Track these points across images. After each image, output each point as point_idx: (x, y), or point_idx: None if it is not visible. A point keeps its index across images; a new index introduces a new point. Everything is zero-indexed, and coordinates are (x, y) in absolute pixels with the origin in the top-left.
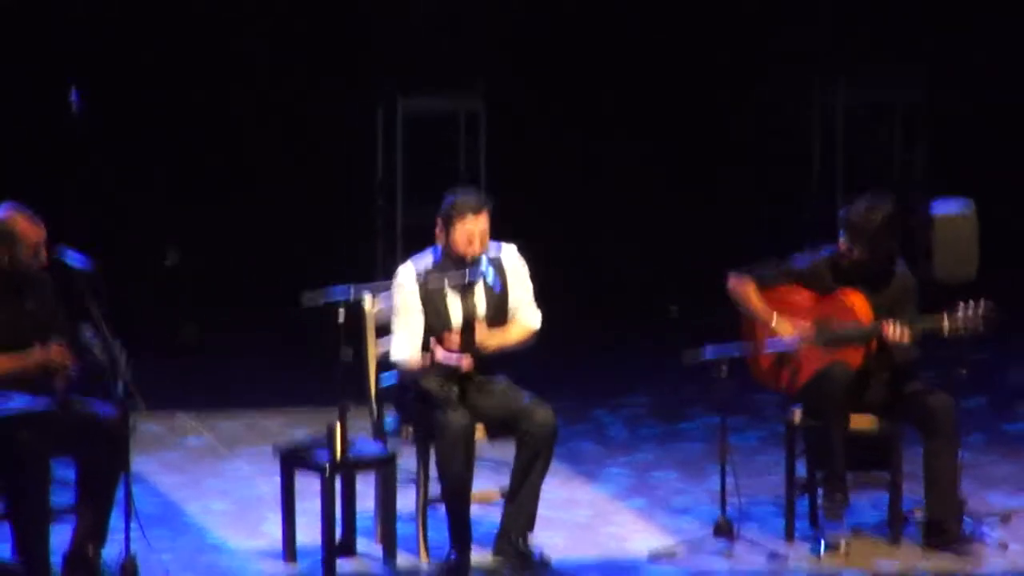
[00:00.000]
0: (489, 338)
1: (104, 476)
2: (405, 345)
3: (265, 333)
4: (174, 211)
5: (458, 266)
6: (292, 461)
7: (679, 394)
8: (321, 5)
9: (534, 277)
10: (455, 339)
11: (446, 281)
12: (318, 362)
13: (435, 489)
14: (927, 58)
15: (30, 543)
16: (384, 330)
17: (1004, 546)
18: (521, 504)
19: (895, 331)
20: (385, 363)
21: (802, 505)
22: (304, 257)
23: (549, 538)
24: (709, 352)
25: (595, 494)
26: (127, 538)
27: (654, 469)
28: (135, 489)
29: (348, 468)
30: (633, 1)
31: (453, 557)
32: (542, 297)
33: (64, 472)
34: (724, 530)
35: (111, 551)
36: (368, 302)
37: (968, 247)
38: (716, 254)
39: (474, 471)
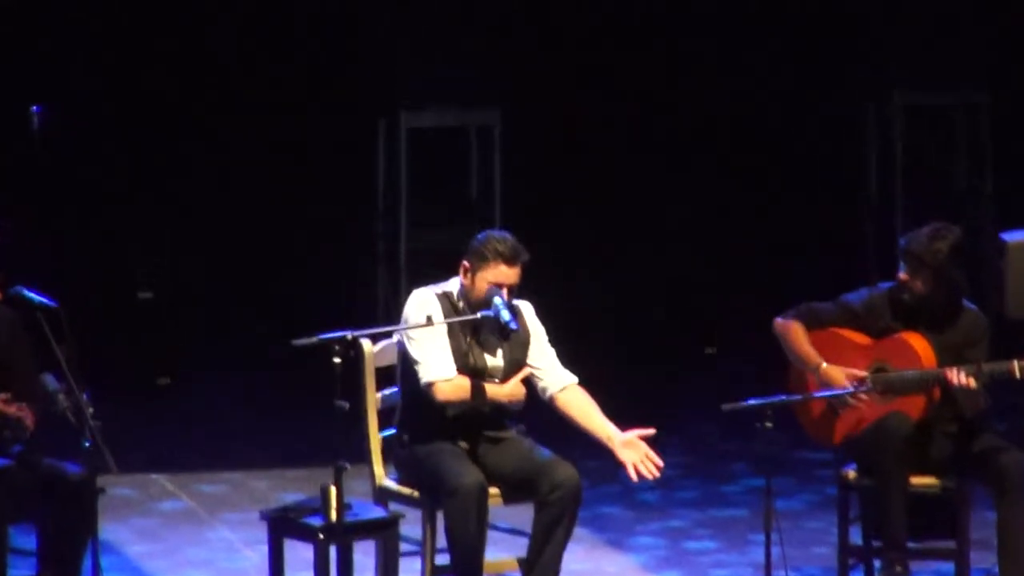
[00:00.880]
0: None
1: (69, 544)
2: (439, 364)
3: (251, 380)
4: (147, 240)
5: (473, 311)
6: (281, 527)
7: (718, 450)
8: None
9: (554, 318)
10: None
11: (466, 327)
12: (311, 414)
13: (443, 558)
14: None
15: None
16: (386, 379)
17: None
18: (541, 574)
19: (961, 377)
20: (387, 414)
21: None
22: (297, 290)
23: None
24: (751, 401)
25: (624, 565)
26: None
27: (690, 537)
28: (104, 560)
29: (345, 535)
30: (667, 11)
31: None
32: (563, 336)
33: (23, 539)
34: None
35: None
36: (368, 344)
37: None
38: (760, 285)
39: (487, 538)
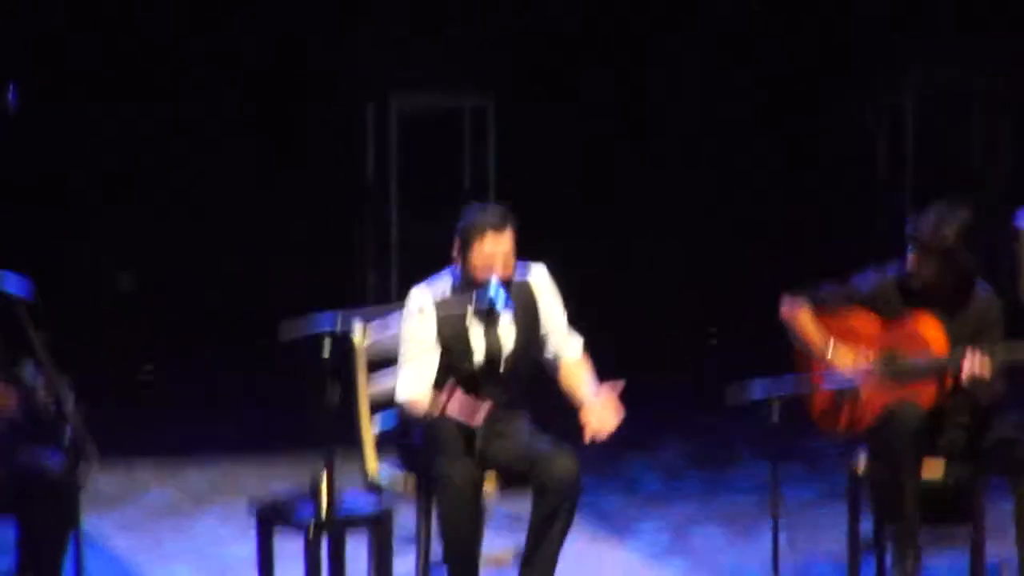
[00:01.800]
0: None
1: (50, 538)
2: (413, 382)
3: (238, 369)
4: (129, 227)
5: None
6: (270, 519)
7: (722, 438)
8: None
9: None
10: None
11: (468, 308)
12: (300, 403)
13: (438, 550)
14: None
15: None
16: (377, 364)
17: None
18: (538, 567)
19: (974, 363)
20: (380, 403)
21: (868, 567)
22: (283, 280)
23: None
24: (757, 388)
25: (625, 555)
26: None
27: (694, 526)
28: (86, 553)
29: (336, 526)
30: None
31: None
32: None
33: (2, 534)
34: None
35: None
36: (358, 332)
37: None
38: (765, 267)
39: (483, 529)
